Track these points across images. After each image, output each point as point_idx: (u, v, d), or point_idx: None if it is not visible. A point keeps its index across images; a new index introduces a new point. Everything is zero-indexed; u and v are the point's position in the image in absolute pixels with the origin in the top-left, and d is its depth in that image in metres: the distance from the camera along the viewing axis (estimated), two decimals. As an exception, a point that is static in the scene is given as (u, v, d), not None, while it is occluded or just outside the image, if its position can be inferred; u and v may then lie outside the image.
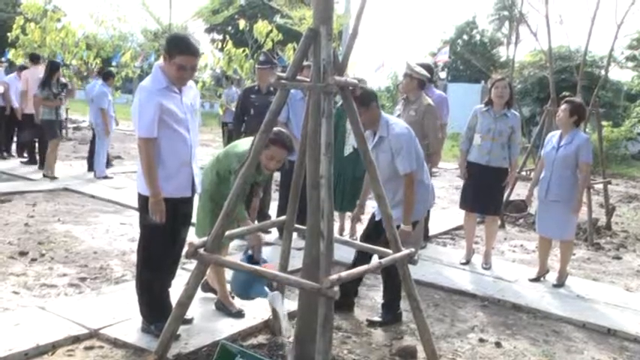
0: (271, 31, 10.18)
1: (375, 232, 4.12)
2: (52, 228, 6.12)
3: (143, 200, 3.52)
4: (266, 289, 3.56)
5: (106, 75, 9.77)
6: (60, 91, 8.88)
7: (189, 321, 3.76)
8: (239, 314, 4.01)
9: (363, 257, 4.14)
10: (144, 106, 3.33)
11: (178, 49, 3.33)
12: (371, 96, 4.06)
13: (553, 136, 5.45)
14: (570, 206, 5.19)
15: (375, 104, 4.03)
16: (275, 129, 3.42)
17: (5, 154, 10.69)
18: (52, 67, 9.00)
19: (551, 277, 5.42)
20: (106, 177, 9.12)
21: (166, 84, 3.40)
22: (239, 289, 3.66)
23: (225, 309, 4.04)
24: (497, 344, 4.02)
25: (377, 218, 4.19)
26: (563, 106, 5.33)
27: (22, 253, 5.18)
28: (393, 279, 4.20)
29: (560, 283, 5.31)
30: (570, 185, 5.20)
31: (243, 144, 3.88)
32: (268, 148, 3.58)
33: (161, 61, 3.47)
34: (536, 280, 5.40)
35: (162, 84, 3.39)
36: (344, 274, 2.78)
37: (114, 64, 19.26)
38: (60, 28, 14.38)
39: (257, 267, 3.03)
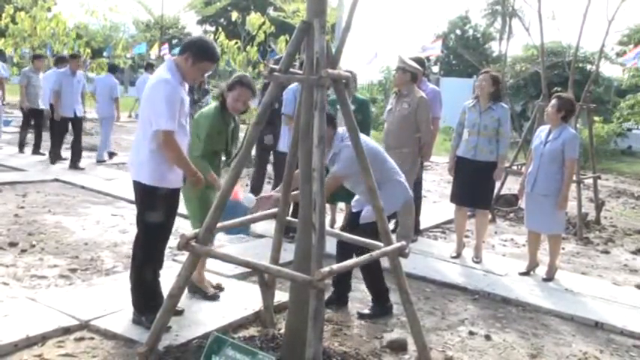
0: (264, 23, 10.12)
1: (353, 225, 4.17)
2: (42, 219, 6.09)
3: (146, 192, 3.51)
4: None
5: (112, 68, 10.91)
6: (200, 98, 7.78)
7: (179, 312, 3.76)
8: (214, 297, 4.13)
9: (344, 249, 4.13)
10: (170, 100, 3.35)
11: (207, 55, 3.48)
12: None
13: (542, 131, 5.48)
14: (556, 201, 5.22)
15: None
16: (239, 73, 3.63)
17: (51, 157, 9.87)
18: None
19: (541, 270, 5.46)
20: (104, 160, 9.89)
21: (180, 79, 3.49)
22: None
23: (200, 292, 4.12)
24: (487, 337, 4.06)
25: (354, 210, 4.29)
26: (552, 102, 5.37)
27: (12, 244, 5.15)
28: (372, 274, 4.23)
29: (549, 277, 5.35)
30: (556, 180, 5.24)
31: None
32: (234, 90, 3.96)
33: (167, 55, 3.54)
34: (526, 273, 5.44)
35: (178, 79, 3.47)
36: (335, 266, 2.79)
37: (105, 54, 19.16)
38: (50, 17, 14.22)
39: (250, 260, 3.03)
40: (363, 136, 3.82)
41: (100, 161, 9.91)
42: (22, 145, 10.28)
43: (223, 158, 4.31)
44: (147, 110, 3.47)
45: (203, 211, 3.87)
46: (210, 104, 4.63)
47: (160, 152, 3.44)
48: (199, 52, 3.44)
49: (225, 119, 4.11)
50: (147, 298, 3.64)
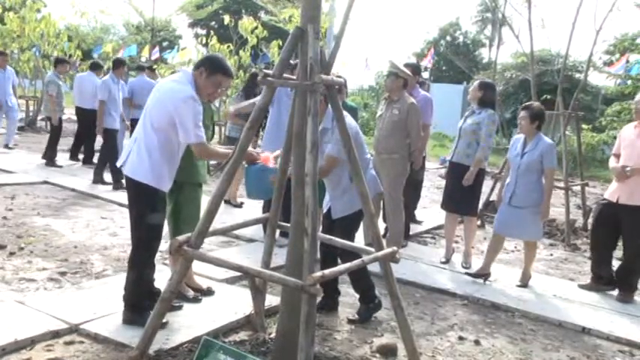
0: (256, 27, 10.15)
1: (332, 227, 4.19)
2: (31, 221, 6.05)
3: (146, 193, 3.53)
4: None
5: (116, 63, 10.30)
6: None
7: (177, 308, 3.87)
8: (196, 300, 4.15)
9: (327, 254, 4.10)
10: (197, 117, 3.47)
11: (222, 70, 3.60)
12: None
13: (517, 141, 5.36)
14: (535, 211, 5.15)
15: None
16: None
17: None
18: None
19: (510, 277, 5.45)
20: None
21: (196, 93, 3.56)
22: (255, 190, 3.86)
23: (180, 295, 4.08)
24: (476, 342, 4.09)
25: (325, 209, 4.30)
26: (522, 113, 5.24)
27: (0, 247, 5.10)
28: (361, 276, 4.25)
29: (523, 284, 5.31)
30: (535, 191, 5.15)
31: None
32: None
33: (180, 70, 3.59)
34: (475, 276, 5.31)
35: (194, 92, 3.55)
36: (327, 271, 2.80)
37: (95, 55, 19.07)
38: (40, 18, 14.14)
39: (242, 265, 3.03)
40: (349, 119, 3.88)
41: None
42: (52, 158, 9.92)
43: (213, 162, 4.31)
44: (164, 118, 3.49)
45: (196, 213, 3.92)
46: None
47: (162, 157, 3.53)
48: (213, 66, 3.56)
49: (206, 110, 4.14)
50: (144, 297, 3.65)
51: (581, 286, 5.45)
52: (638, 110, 5.22)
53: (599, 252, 5.49)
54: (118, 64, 9.14)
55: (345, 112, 4.18)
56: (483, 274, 5.35)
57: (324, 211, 4.35)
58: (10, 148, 10.56)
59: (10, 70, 10.88)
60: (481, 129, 5.62)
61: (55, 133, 9.80)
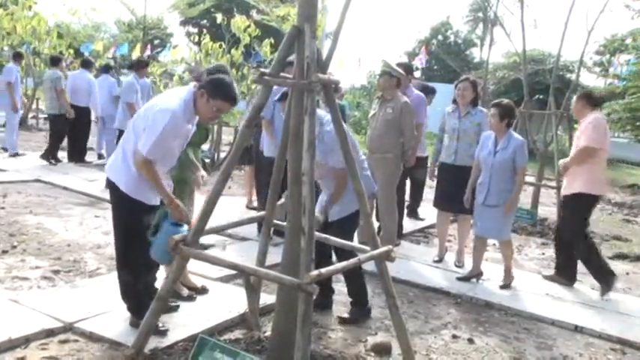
0: (249, 26, 10.12)
1: (325, 228, 4.17)
2: (23, 220, 6.02)
3: (114, 188, 3.49)
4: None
5: (107, 67, 11.00)
6: None
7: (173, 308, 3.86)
8: (190, 298, 4.17)
9: (321, 254, 4.11)
10: (164, 133, 3.26)
11: (222, 93, 3.33)
12: None
13: (488, 139, 5.30)
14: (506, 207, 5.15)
15: None
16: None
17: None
18: None
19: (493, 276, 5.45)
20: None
21: (191, 114, 3.42)
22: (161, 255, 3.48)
23: (175, 293, 4.07)
24: (470, 341, 4.11)
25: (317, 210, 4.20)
26: (492, 111, 5.20)
27: (-7, 245, 5.09)
28: (354, 276, 4.25)
29: (506, 284, 5.27)
30: (508, 190, 5.13)
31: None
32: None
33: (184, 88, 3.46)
34: (467, 279, 5.33)
35: (189, 113, 3.40)
36: (324, 270, 2.81)
37: (86, 53, 18.95)
38: (32, 16, 14.02)
39: (238, 263, 3.04)
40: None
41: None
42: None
43: (208, 160, 4.33)
44: (141, 125, 3.38)
45: None
46: None
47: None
48: (214, 90, 3.32)
49: None
50: (142, 298, 3.59)
51: (545, 277, 5.65)
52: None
53: (557, 244, 5.78)
54: (142, 64, 9.25)
55: (328, 117, 4.17)
56: (475, 275, 5.38)
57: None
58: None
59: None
60: (482, 129, 5.65)
61: (59, 129, 9.68)
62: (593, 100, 5.57)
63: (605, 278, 5.37)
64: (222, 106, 3.38)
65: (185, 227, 3.42)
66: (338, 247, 3.70)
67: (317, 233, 3.63)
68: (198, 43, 10.90)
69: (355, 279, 4.31)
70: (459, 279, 5.36)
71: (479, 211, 5.32)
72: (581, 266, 6.30)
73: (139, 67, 9.13)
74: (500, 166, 5.14)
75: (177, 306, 3.95)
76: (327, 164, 3.94)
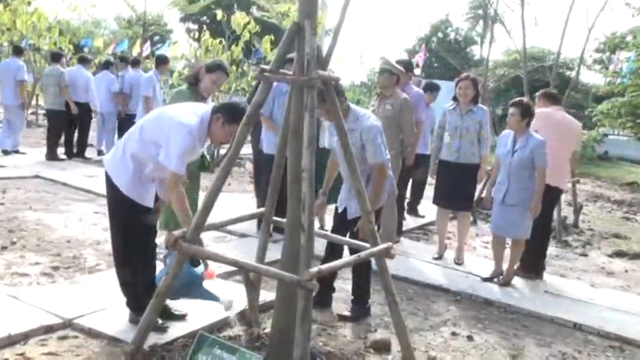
0: (249, 22, 10.10)
1: (343, 226, 4.19)
2: (23, 216, 6.01)
3: (110, 184, 3.51)
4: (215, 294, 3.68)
5: (107, 63, 11.07)
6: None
7: (182, 316, 3.83)
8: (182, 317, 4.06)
9: (334, 251, 4.16)
10: (185, 151, 3.30)
11: (239, 119, 3.27)
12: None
13: (506, 137, 5.29)
14: (525, 208, 5.10)
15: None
16: (217, 58, 3.72)
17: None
18: None
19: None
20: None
21: (204, 135, 3.43)
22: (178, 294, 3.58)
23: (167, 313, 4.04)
24: (469, 338, 4.12)
25: (340, 210, 4.29)
26: (511, 110, 5.16)
27: (-8, 241, 5.09)
28: (365, 275, 4.26)
29: (505, 282, 5.27)
30: (527, 189, 5.11)
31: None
32: (213, 73, 4.08)
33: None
34: (490, 280, 5.32)
35: (202, 133, 3.41)
36: (324, 267, 2.82)
37: (86, 49, 18.94)
38: (32, 11, 13.98)
39: (238, 260, 3.03)
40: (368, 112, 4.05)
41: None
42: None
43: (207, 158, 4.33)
44: (156, 136, 3.36)
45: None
46: (181, 86, 4.75)
47: (135, 166, 3.44)
48: (231, 116, 3.35)
49: (196, 99, 4.14)
50: (141, 295, 3.58)
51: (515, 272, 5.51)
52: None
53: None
54: (162, 60, 9.39)
55: (364, 112, 4.19)
56: (497, 275, 5.36)
57: (340, 210, 4.31)
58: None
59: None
60: (483, 127, 5.65)
61: (57, 125, 9.69)
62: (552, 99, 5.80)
63: (537, 269, 5.55)
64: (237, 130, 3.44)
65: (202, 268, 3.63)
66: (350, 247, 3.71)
67: (318, 230, 3.65)
68: (198, 40, 10.90)
69: (365, 280, 4.30)
70: (484, 279, 5.32)
71: (498, 210, 5.30)
72: (582, 265, 6.32)
73: (159, 63, 9.35)
74: (518, 165, 5.13)
75: (185, 315, 3.86)
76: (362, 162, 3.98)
